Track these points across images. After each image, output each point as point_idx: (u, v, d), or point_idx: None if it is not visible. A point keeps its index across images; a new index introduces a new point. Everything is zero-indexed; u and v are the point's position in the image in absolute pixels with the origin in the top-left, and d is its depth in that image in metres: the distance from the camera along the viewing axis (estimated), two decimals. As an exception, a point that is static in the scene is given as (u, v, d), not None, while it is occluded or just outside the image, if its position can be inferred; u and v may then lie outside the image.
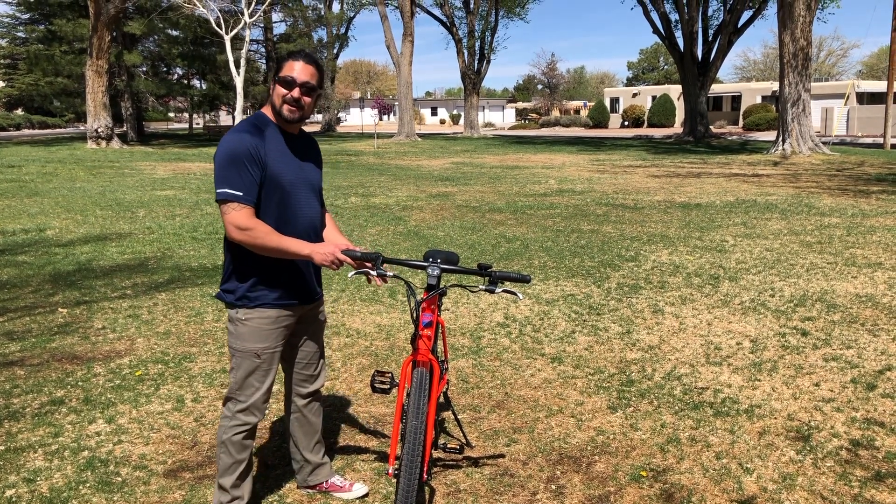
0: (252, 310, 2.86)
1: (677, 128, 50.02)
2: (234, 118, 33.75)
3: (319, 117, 58.83)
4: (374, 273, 2.87)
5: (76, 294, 6.80)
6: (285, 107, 2.81)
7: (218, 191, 2.72)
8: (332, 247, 2.81)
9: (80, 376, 4.72)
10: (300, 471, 3.29)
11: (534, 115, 70.70)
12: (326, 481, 3.29)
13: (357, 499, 3.24)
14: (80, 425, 4.00)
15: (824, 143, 25.73)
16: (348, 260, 2.81)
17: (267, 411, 3.05)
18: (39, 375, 4.73)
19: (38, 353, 5.17)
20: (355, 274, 2.91)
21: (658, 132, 46.67)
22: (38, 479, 3.43)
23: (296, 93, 2.79)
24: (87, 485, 3.37)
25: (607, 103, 60.44)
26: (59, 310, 6.26)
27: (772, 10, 39.56)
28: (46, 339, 5.48)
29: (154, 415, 4.15)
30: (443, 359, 3.56)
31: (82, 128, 47.95)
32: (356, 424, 4.04)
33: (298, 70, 2.79)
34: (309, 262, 2.93)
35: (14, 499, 3.25)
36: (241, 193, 2.71)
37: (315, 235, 2.98)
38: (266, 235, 2.74)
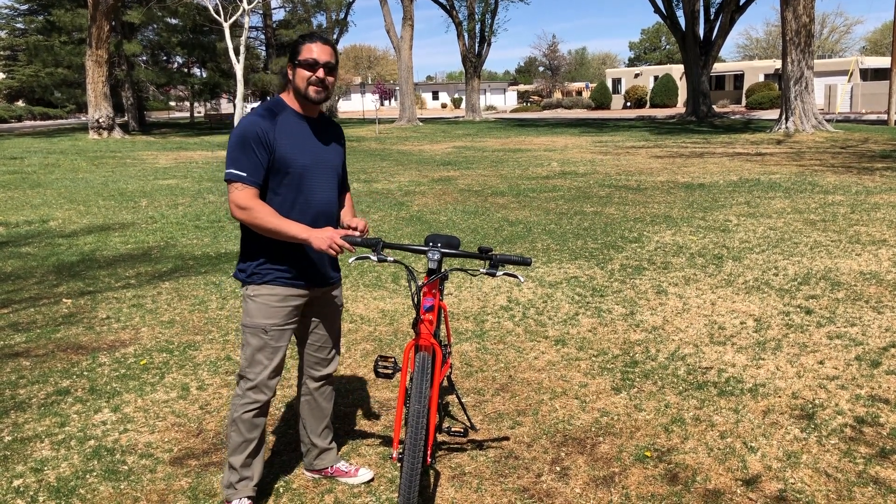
0: (260, 286, 2.94)
1: (680, 108, 49.76)
2: (234, 106, 33.66)
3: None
4: (374, 259, 2.87)
5: (80, 284, 6.82)
6: (311, 88, 2.86)
7: (226, 171, 2.82)
8: (330, 231, 2.81)
9: (86, 366, 4.74)
10: (307, 454, 3.32)
11: (535, 98, 70.39)
12: (331, 466, 3.31)
13: (362, 483, 3.26)
14: (86, 415, 4.02)
15: (828, 121, 25.59)
16: (347, 245, 2.81)
17: (276, 390, 3.07)
18: (45, 366, 4.75)
19: (43, 343, 5.19)
20: (356, 260, 2.91)
21: (660, 112, 46.45)
22: (46, 468, 3.45)
23: (320, 73, 2.86)
24: (94, 473, 3.39)
25: (609, 84, 60.14)
26: (64, 300, 6.28)
27: (774, -13, 39.19)
28: (51, 329, 5.49)
29: (159, 403, 4.16)
30: (446, 343, 3.56)
31: (83, 118, 47.91)
32: (360, 409, 4.06)
33: (319, 51, 2.85)
34: None
35: (22, 488, 3.27)
36: (245, 174, 2.80)
37: (328, 219, 2.99)
38: (264, 217, 2.80)
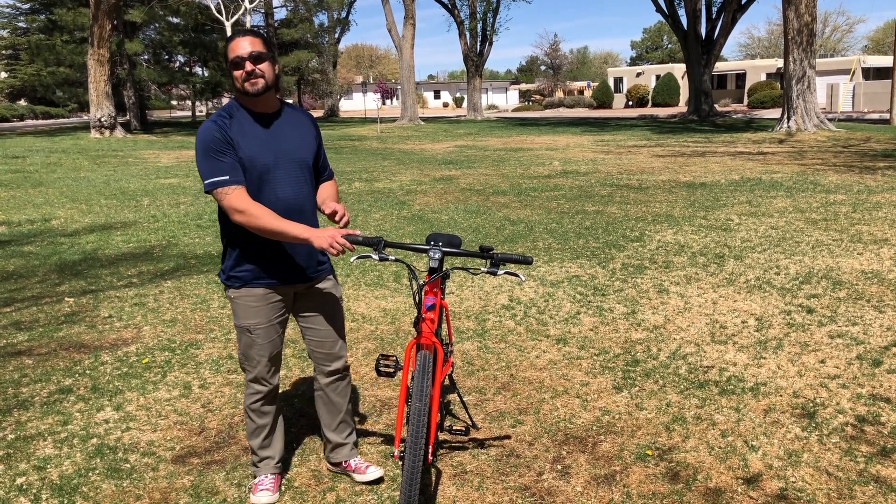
0: (239, 289, 3.00)
1: (682, 107, 49.71)
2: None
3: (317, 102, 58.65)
4: (376, 258, 2.88)
5: (82, 283, 6.83)
6: (246, 84, 2.86)
7: (205, 183, 2.82)
8: (332, 231, 2.81)
9: (88, 365, 4.75)
10: (325, 446, 3.37)
11: (537, 97, 70.35)
12: (345, 461, 3.32)
13: (369, 482, 3.23)
14: (89, 413, 4.03)
15: (830, 120, 25.56)
16: (348, 245, 2.81)
17: (277, 381, 3.12)
18: (47, 364, 4.76)
19: (45, 342, 5.20)
20: (358, 258, 2.92)
21: (662, 111, 46.42)
22: (48, 466, 3.46)
23: (248, 66, 2.84)
24: (97, 472, 3.40)
25: (611, 83, 60.08)
26: (66, 299, 6.29)
27: (776, -15, 39.13)
28: (53, 328, 5.51)
29: (161, 402, 4.17)
30: (447, 342, 3.57)
31: (85, 117, 47.95)
32: (362, 408, 4.06)
33: (241, 46, 2.84)
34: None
35: (25, 486, 3.28)
36: (226, 177, 2.81)
37: (297, 214, 2.97)
38: (263, 218, 2.81)
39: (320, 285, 3.15)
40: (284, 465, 3.42)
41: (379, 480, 3.25)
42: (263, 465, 3.19)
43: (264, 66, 2.85)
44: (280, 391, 4.23)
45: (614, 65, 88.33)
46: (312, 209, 3.08)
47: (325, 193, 3.18)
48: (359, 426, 3.84)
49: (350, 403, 3.34)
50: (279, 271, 3.00)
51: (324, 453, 3.42)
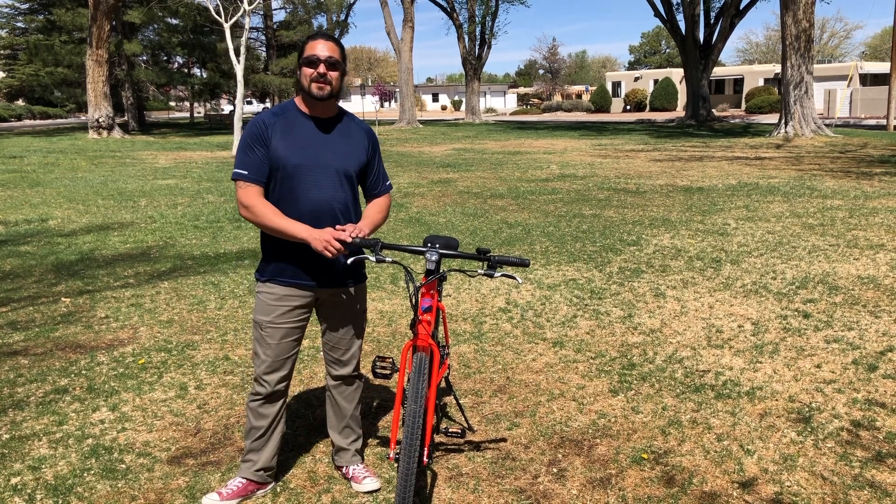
0: (263, 284, 3.06)
1: (679, 111, 49.81)
2: (234, 106, 33.68)
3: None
4: (373, 259, 2.88)
5: (79, 284, 6.82)
6: (313, 85, 2.90)
7: (233, 171, 2.95)
8: (328, 234, 2.81)
9: (84, 365, 4.74)
10: (332, 446, 3.38)
11: (535, 101, 70.44)
12: (346, 467, 3.32)
13: (363, 492, 3.20)
14: (84, 413, 4.02)
15: (827, 126, 25.63)
16: (340, 247, 2.81)
17: (280, 388, 3.09)
18: (43, 364, 4.75)
19: (41, 342, 5.19)
20: (353, 260, 2.92)
21: (660, 116, 46.49)
22: (43, 466, 3.45)
23: (321, 69, 2.88)
24: (92, 472, 3.40)
25: (609, 87, 60.21)
26: (62, 299, 6.28)
27: (774, -9, 39.23)
28: (50, 328, 5.50)
29: (157, 402, 4.17)
30: (444, 344, 3.57)
31: (83, 118, 47.92)
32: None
33: (320, 48, 2.89)
34: None
35: (20, 486, 3.28)
36: (246, 172, 2.90)
37: (319, 219, 2.96)
38: (264, 215, 2.88)
39: (344, 293, 3.13)
40: (282, 468, 3.41)
41: (374, 492, 3.20)
42: (244, 466, 3.17)
43: (335, 75, 2.91)
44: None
45: (612, 69, 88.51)
46: (345, 214, 3.03)
47: (369, 210, 3.14)
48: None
49: (358, 411, 3.33)
50: (305, 274, 3.01)
51: (331, 454, 3.44)
